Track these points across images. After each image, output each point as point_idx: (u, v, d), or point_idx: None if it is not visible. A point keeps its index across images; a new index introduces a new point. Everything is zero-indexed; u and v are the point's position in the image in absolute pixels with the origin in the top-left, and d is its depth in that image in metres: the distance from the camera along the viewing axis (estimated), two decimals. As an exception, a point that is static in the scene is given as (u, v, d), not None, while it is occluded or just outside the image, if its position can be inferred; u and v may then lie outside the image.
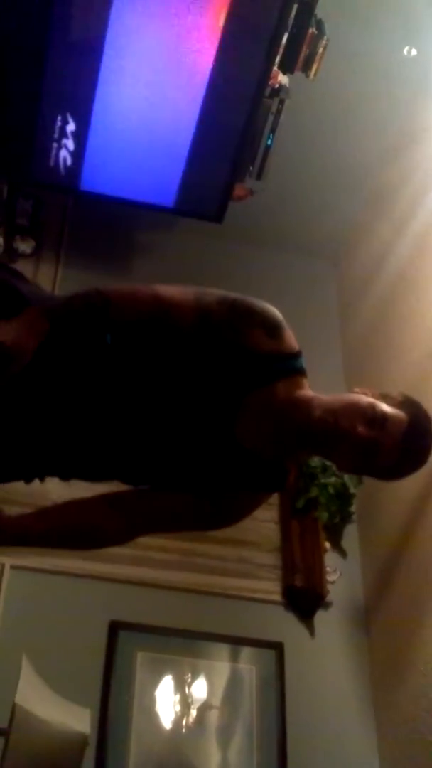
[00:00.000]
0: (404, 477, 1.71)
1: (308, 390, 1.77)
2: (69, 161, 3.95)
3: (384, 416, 1.65)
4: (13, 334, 1.60)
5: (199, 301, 1.71)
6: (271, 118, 3.90)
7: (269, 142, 3.97)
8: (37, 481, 1.88)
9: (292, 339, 1.76)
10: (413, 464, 1.70)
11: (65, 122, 3.81)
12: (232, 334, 1.70)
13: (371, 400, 1.69)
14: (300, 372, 1.77)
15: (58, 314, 1.68)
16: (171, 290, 1.71)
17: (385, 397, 1.71)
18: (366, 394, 1.72)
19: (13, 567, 3.50)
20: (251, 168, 4.05)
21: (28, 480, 1.86)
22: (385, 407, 1.67)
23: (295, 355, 1.76)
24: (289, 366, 1.75)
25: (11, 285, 1.78)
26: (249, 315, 1.72)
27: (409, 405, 1.71)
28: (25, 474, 1.85)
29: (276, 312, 1.75)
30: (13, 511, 1.87)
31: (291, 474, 3.84)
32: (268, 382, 1.72)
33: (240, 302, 1.73)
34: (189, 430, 1.73)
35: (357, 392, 1.73)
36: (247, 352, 1.70)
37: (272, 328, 1.73)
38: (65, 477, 1.86)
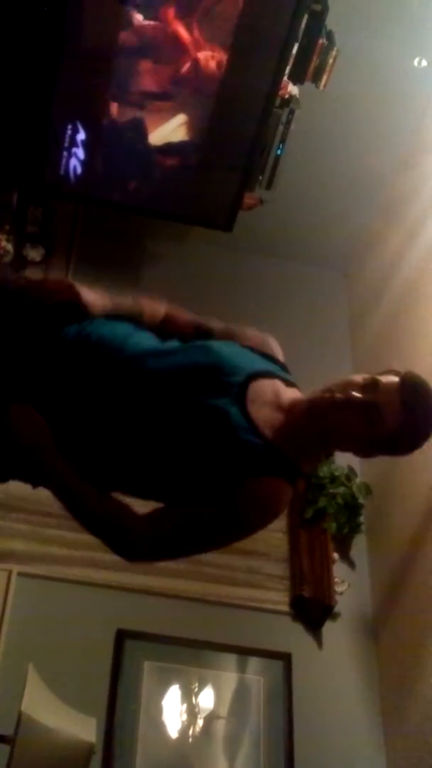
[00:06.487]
0: (423, 441, 1.72)
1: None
2: (79, 169, 3.97)
3: (375, 380, 1.71)
4: None
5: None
6: (281, 128, 3.90)
7: (279, 151, 3.97)
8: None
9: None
10: (422, 422, 1.72)
11: (76, 131, 3.84)
12: None
13: (362, 375, 1.75)
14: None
15: None
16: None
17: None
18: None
19: (20, 574, 3.49)
20: (261, 177, 4.06)
21: (35, 484, 1.84)
22: (376, 375, 1.74)
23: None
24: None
25: None
26: None
27: (402, 372, 1.76)
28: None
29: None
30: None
31: (300, 483, 3.84)
32: None
33: None
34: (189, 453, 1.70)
35: None
36: None
37: None
38: None
